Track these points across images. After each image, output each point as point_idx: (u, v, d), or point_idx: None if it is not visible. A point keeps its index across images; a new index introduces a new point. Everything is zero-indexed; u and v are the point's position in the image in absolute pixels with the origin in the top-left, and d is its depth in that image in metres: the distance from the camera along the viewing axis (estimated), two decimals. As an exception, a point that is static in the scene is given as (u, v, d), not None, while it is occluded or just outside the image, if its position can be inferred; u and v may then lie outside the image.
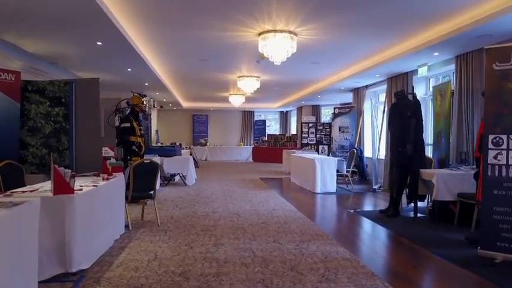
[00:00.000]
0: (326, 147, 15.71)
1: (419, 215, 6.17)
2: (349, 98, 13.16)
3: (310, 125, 16.32)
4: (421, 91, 8.68)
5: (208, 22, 5.91)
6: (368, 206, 7.41)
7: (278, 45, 6.20)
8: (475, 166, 5.58)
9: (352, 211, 6.67)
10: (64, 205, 3.35)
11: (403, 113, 6.00)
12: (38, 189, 3.70)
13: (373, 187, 9.05)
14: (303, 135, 16.49)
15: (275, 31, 6.14)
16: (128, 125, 7.10)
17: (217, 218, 5.94)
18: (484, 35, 5.61)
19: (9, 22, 5.42)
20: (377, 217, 6.10)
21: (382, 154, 9.78)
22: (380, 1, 4.95)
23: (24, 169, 5.00)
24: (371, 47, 7.47)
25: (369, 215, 6.28)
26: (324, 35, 6.53)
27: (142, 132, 7.39)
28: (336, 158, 9.01)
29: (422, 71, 7.72)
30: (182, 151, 12.86)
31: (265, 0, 4.95)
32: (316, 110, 17.46)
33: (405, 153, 5.95)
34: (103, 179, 4.53)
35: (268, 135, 20.05)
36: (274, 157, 17.84)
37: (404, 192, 6.30)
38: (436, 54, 6.87)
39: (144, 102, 7.59)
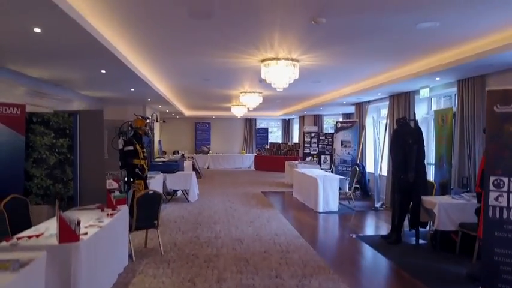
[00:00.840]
0: (328, 157, 15.78)
1: (421, 241, 6.19)
2: (352, 108, 13.18)
3: (313, 134, 16.37)
4: (423, 110, 8.70)
5: (210, 51, 5.98)
6: (370, 229, 7.44)
7: (280, 72, 6.25)
8: (475, 194, 5.60)
9: (354, 236, 6.70)
10: (70, 253, 3.39)
11: (405, 140, 6.03)
12: (43, 233, 3.74)
13: (375, 205, 9.07)
14: (305, 145, 16.54)
15: (277, 59, 6.19)
16: (131, 148, 7.14)
17: (219, 246, 5.98)
18: (484, 65, 5.65)
19: (13, 55, 5.49)
20: (379, 244, 6.13)
21: (384, 170, 9.81)
22: (383, 33, 4.99)
23: (29, 200, 5.06)
24: (373, 69, 7.51)
25: (371, 241, 6.30)
26: (326, 61, 6.57)
27: (145, 154, 7.44)
28: (339, 177, 9.03)
29: (424, 93, 7.75)
30: (184, 162, 12.94)
31: (268, 32, 4.99)
32: (318, 119, 17.47)
33: (407, 181, 5.98)
34: (107, 215, 4.58)
35: (270, 143, 20.08)
36: (276, 166, 17.88)
37: (406, 217, 6.32)
38: (438, 79, 6.91)
39: (147, 123, 7.62)
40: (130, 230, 5.26)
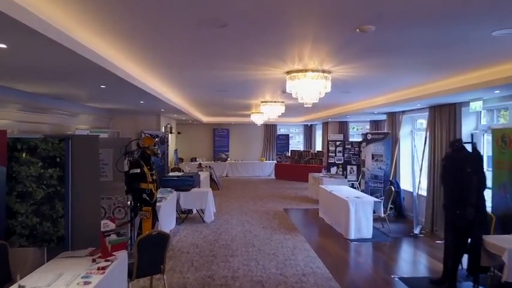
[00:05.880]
0: (355, 168, 14.69)
1: (480, 289, 5.12)
2: (381, 116, 12.08)
3: (338, 143, 15.31)
4: (471, 125, 7.55)
5: (228, 65, 5.08)
6: (413, 267, 6.37)
7: (309, 85, 5.27)
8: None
9: (396, 278, 5.65)
10: None
11: (462, 168, 4.96)
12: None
13: (414, 232, 7.97)
14: (330, 154, 15.49)
15: (306, 70, 5.21)
16: (138, 171, 6.31)
17: (237, 292, 5.05)
18: None
19: (3, 73, 4.71)
20: (428, 292, 5.09)
21: (424, 188, 8.72)
22: (433, 47, 4.01)
23: (12, 242, 4.26)
24: (414, 80, 6.48)
25: (418, 287, 5.26)
26: (360, 72, 5.58)
27: (154, 177, 6.58)
28: (373, 199, 7.98)
29: (476, 106, 6.65)
30: (201, 174, 12.07)
31: (298, 45, 4.03)
32: (343, 126, 16.37)
33: (465, 217, 4.92)
34: (98, 269, 3.70)
35: (291, 151, 19.06)
36: (298, 175, 16.89)
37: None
38: (497, 92, 5.81)
39: (156, 142, 6.77)
40: (131, 277, 4.39)
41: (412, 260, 6.75)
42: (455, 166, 5.09)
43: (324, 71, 5.25)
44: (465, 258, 5.23)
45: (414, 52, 4.34)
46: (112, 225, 4.32)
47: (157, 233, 4.64)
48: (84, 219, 4.56)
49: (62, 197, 4.54)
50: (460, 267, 5.28)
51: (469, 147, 5.31)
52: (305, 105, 5.83)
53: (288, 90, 5.57)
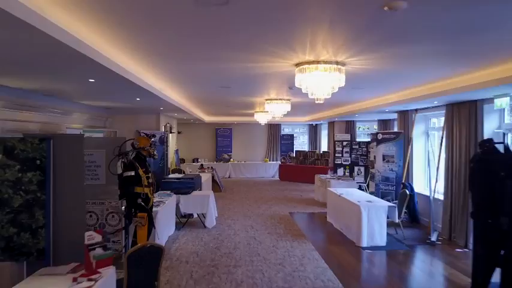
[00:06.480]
0: (362, 169, 14.13)
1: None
2: (390, 115, 11.51)
3: (345, 143, 14.75)
4: (493, 124, 6.96)
5: (231, 55, 4.53)
6: (434, 279, 5.81)
7: (321, 79, 4.71)
8: None
9: (417, 293, 5.11)
10: None
11: (495, 171, 4.41)
12: None
13: (431, 238, 7.40)
14: (336, 155, 14.93)
15: (317, 62, 4.66)
16: (132, 173, 5.77)
17: (241, 311, 4.51)
18: None
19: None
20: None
21: (440, 191, 8.15)
22: (466, 32, 3.48)
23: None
24: (431, 76, 5.93)
25: (443, 304, 4.71)
26: (377, 65, 5.03)
27: (150, 180, 6.04)
28: (387, 204, 7.40)
29: (501, 103, 6.07)
30: (203, 175, 11.54)
31: (311, 30, 3.48)
32: (350, 125, 15.78)
33: (497, 227, 4.36)
34: (79, 291, 3.17)
35: (296, 151, 18.48)
36: (303, 176, 16.36)
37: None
38: (530, 86, 5.25)
39: (153, 142, 6.23)
40: (120, 297, 3.85)
41: (431, 270, 6.18)
42: (486, 169, 4.52)
43: (337, 63, 4.69)
44: (497, 272, 4.67)
45: (443, 38, 3.78)
46: (98, 237, 3.79)
47: (149, 245, 4.09)
48: (68, 230, 4.04)
49: (43, 205, 4.01)
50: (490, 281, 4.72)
51: (500, 148, 4.74)
52: (316, 101, 5.28)
53: (297, 85, 5.02)
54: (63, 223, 4.03)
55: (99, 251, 3.67)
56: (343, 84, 4.89)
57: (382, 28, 3.46)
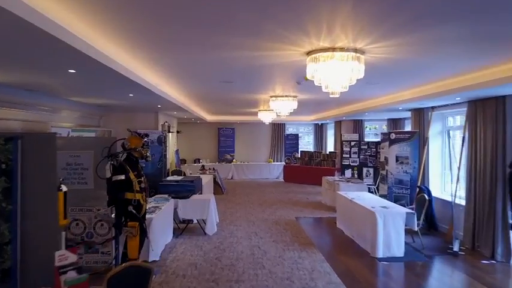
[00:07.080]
0: (371, 170, 13.48)
1: None
2: (402, 114, 10.84)
3: (353, 143, 14.09)
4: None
5: (236, 41, 3.89)
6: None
7: (338, 69, 4.06)
8: None
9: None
10: None
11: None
12: None
13: (453, 248, 6.73)
14: (344, 155, 14.27)
15: (333, 49, 4.01)
16: (123, 177, 5.15)
17: None
18: None
19: None
20: None
21: (462, 197, 7.49)
22: (500, 11, 2.81)
23: None
24: (457, 67, 5.27)
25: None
26: (398, 53, 4.38)
27: (143, 185, 5.41)
28: (405, 210, 6.74)
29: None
30: (204, 177, 10.93)
31: (331, 11, 2.84)
32: (358, 125, 15.11)
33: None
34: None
35: (301, 151, 17.80)
36: (308, 178, 15.72)
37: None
38: None
39: (146, 142, 5.60)
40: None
41: (456, 286, 5.52)
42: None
43: (356, 50, 4.04)
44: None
45: (473, 19, 3.13)
46: (72, 257, 3.16)
47: (136, 266, 3.44)
48: (39, 247, 3.41)
49: (8, 217, 3.39)
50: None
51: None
52: (330, 96, 4.62)
53: (309, 77, 4.36)
54: (33, 239, 3.41)
55: (71, 274, 3.04)
56: (362, 75, 4.23)
57: (411, 5, 2.81)
